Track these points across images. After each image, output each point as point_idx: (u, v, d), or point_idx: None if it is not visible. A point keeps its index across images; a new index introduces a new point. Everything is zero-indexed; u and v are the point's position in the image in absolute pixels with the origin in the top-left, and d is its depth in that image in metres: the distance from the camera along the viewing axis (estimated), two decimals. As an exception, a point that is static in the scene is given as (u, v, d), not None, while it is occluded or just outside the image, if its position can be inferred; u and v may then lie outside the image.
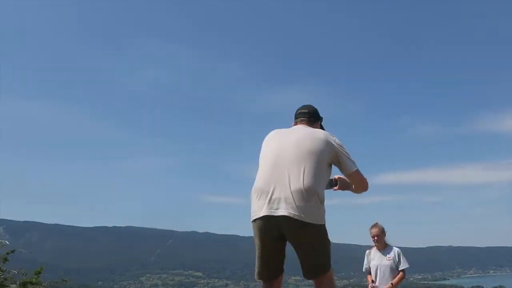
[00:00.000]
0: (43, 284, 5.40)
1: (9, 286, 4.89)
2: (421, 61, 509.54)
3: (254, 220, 2.33)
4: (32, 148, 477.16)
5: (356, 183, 2.56)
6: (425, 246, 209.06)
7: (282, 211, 2.17)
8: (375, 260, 4.75)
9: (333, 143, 2.41)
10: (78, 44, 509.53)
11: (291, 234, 2.26)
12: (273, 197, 2.21)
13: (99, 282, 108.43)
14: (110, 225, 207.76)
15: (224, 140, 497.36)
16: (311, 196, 2.20)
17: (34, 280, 5.02)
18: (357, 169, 2.45)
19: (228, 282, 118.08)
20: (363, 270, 4.86)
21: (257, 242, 2.44)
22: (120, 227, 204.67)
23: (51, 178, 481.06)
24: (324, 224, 2.32)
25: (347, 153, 2.44)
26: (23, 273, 5.22)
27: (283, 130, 2.61)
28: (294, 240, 2.30)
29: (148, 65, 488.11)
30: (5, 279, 4.92)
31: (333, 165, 2.46)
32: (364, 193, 2.67)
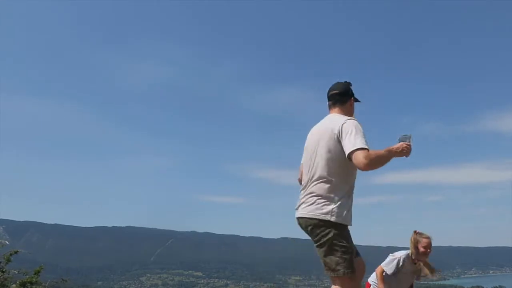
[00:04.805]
0: (43, 284, 5.39)
1: (10, 286, 4.88)
2: (423, 60, 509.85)
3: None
4: (32, 148, 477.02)
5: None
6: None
7: None
8: (407, 273, 3.93)
9: (336, 129, 2.42)
10: (79, 43, 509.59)
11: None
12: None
13: (99, 282, 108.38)
14: (110, 225, 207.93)
15: (224, 140, 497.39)
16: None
17: (34, 279, 5.00)
18: (354, 150, 2.28)
19: (228, 282, 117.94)
20: (388, 272, 3.90)
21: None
22: (120, 227, 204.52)
23: (51, 178, 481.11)
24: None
25: (350, 133, 2.33)
26: (23, 273, 5.21)
27: (316, 126, 2.68)
28: None
29: (149, 64, 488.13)
30: (5, 279, 4.91)
31: None
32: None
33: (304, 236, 2.51)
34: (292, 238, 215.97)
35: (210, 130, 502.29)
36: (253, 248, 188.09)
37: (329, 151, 2.40)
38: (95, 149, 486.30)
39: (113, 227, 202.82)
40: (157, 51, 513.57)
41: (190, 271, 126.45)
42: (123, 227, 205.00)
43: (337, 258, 2.35)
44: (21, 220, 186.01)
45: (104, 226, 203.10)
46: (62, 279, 5.87)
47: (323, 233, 2.36)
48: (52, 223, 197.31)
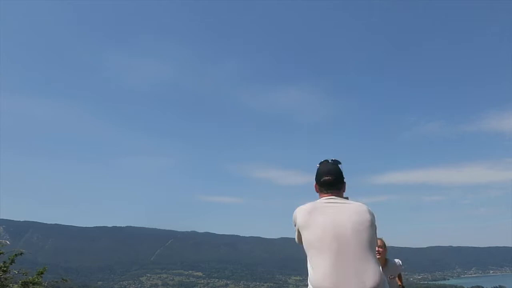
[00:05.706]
0: (43, 283, 5.40)
1: (10, 286, 4.89)
2: (425, 60, 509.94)
3: None
4: (32, 148, 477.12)
5: None
6: (425, 246, 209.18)
7: None
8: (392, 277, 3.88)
9: (372, 219, 2.32)
10: (79, 42, 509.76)
11: None
12: None
13: (99, 282, 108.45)
14: (110, 225, 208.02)
15: (224, 140, 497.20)
16: None
17: (35, 280, 5.02)
18: None
19: (228, 282, 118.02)
20: None
21: None
22: (120, 227, 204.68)
23: (51, 178, 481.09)
24: None
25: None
26: (23, 273, 5.22)
27: (323, 209, 2.29)
28: None
29: (149, 64, 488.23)
30: (6, 279, 4.92)
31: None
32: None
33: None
34: (292, 238, 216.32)
35: (210, 130, 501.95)
36: (253, 248, 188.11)
37: (372, 239, 2.28)
38: (95, 149, 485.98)
39: (113, 227, 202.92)
40: (157, 51, 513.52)
41: (190, 271, 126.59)
42: (123, 227, 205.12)
43: None
44: (21, 220, 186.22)
45: (104, 226, 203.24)
46: (62, 279, 5.88)
47: None
48: (52, 223, 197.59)
